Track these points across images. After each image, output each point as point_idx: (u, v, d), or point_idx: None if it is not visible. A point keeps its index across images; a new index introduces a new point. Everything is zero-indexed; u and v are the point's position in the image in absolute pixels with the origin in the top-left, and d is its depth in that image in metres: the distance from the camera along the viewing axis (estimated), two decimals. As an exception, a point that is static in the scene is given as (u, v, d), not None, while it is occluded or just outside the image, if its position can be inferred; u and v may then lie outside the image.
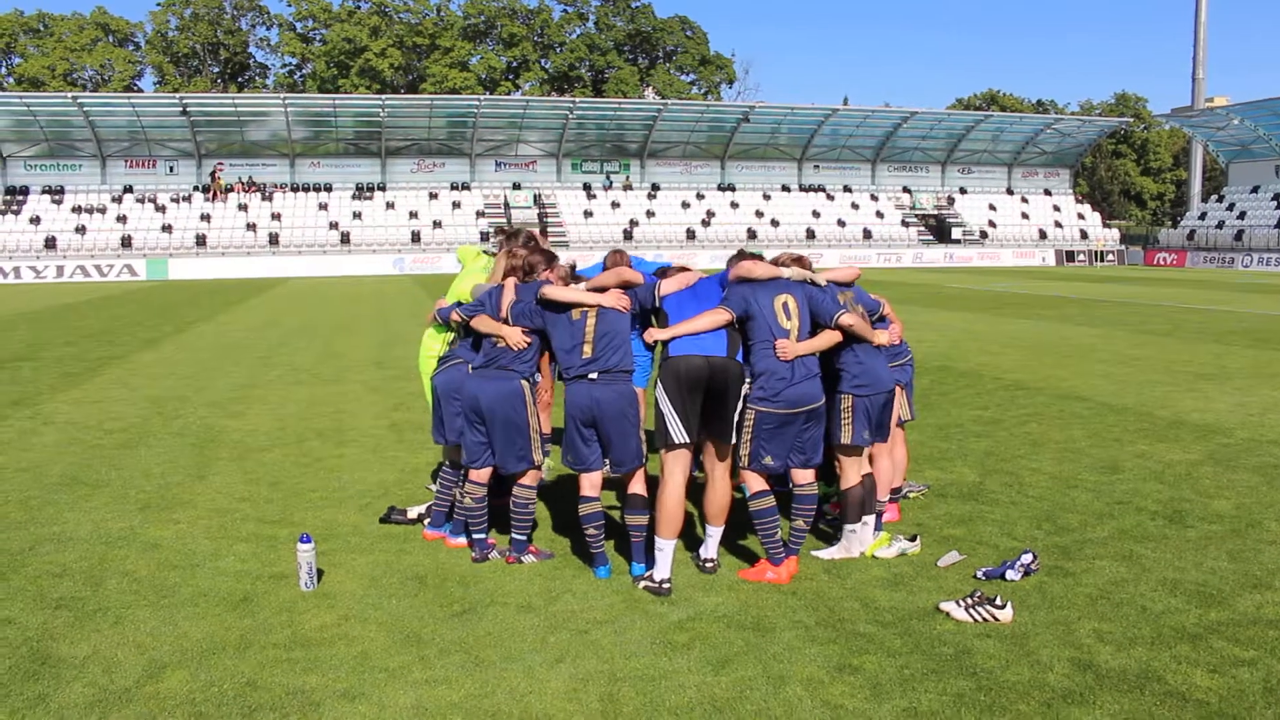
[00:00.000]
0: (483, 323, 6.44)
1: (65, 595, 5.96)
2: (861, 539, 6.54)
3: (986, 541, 6.84)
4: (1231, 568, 6.25)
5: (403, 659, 5.06)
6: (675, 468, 6.14)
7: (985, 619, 5.42)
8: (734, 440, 6.20)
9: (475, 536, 6.58)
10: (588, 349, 6.10)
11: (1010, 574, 6.05)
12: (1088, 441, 9.96)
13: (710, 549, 6.35)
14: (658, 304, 6.35)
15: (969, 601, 5.53)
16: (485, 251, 7.64)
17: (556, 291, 6.29)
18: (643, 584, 6.01)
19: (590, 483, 6.26)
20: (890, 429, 6.83)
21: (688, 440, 6.08)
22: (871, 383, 6.43)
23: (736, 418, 6.14)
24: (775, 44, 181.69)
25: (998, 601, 5.49)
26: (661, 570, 6.00)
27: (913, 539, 6.65)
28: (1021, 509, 7.62)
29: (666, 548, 6.01)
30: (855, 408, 6.40)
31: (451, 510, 7.00)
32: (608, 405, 6.04)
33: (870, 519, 6.59)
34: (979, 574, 6.13)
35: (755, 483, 6.16)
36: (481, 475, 6.53)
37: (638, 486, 6.27)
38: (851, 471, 6.51)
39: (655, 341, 6.31)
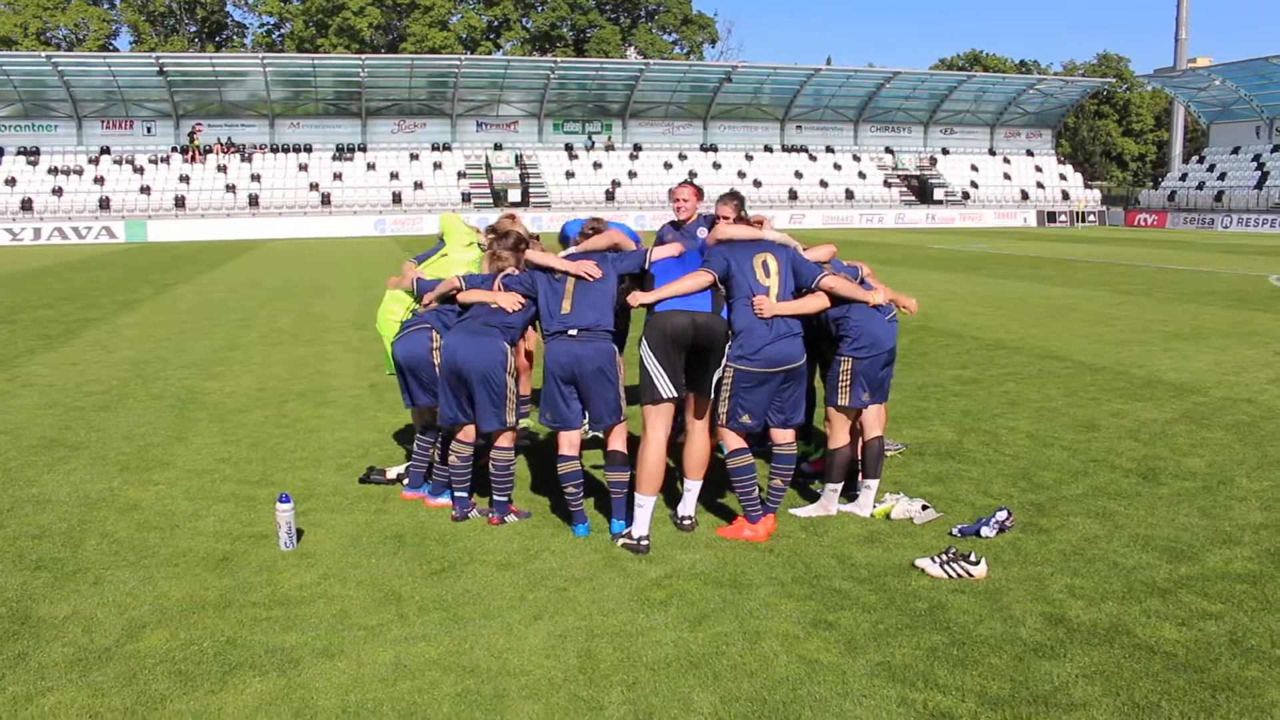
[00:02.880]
0: (473, 294, 6.54)
1: (44, 556, 5.96)
2: (862, 503, 6.61)
3: (963, 499, 6.91)
4: (1202, 524, 6.34)
5: (382, 617, 5.09)
6: (658, 424, 6.18)
7: (959, 575, 5.49)
8: (713, 398, 6.23)
9: (457, 495, 6.61)
10: (566, 304, 6.20)
11: (985, 531, 6.12)
12: (1065, 400, 10.04)
13: (688, 505, 6.38)
14: (646, 268, 6.45)
15: (944, 558, 5.59)
16: (478, 242, 7.53)
17: (537, 257, 6.54)
18: (621, 541, 6.05)
19: (569, 441, 6.30)
20: (889, 389, 6.88)
21: (674, 395, 6.13)
22: (871, 344, 6.47)
23: (717, 375, 6.17)
24: (758, 3, 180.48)
25: (972, 558, 5.55)
26: (640, 527, 6.03)
27: (925, 508, 6.57)
28: (998, 467, 7.69)
29: (647, 504, 6.05)
30: (854, 370, 6.45)
31: (429, 471, 7.02)
32: (587, 361, 6.08)
33: (874, 483, 6.65)
34: (954, 531, 6.19)
35: (733, 441, 6.19)
36: (468, 434, 6.55)
37: (618, 444, 6.31)
38: (841, 431, 6.56)
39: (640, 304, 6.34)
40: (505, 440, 6.46)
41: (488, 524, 6.44)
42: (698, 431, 6.35)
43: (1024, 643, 4.72)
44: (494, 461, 6.45)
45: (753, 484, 6.15)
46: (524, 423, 9.01)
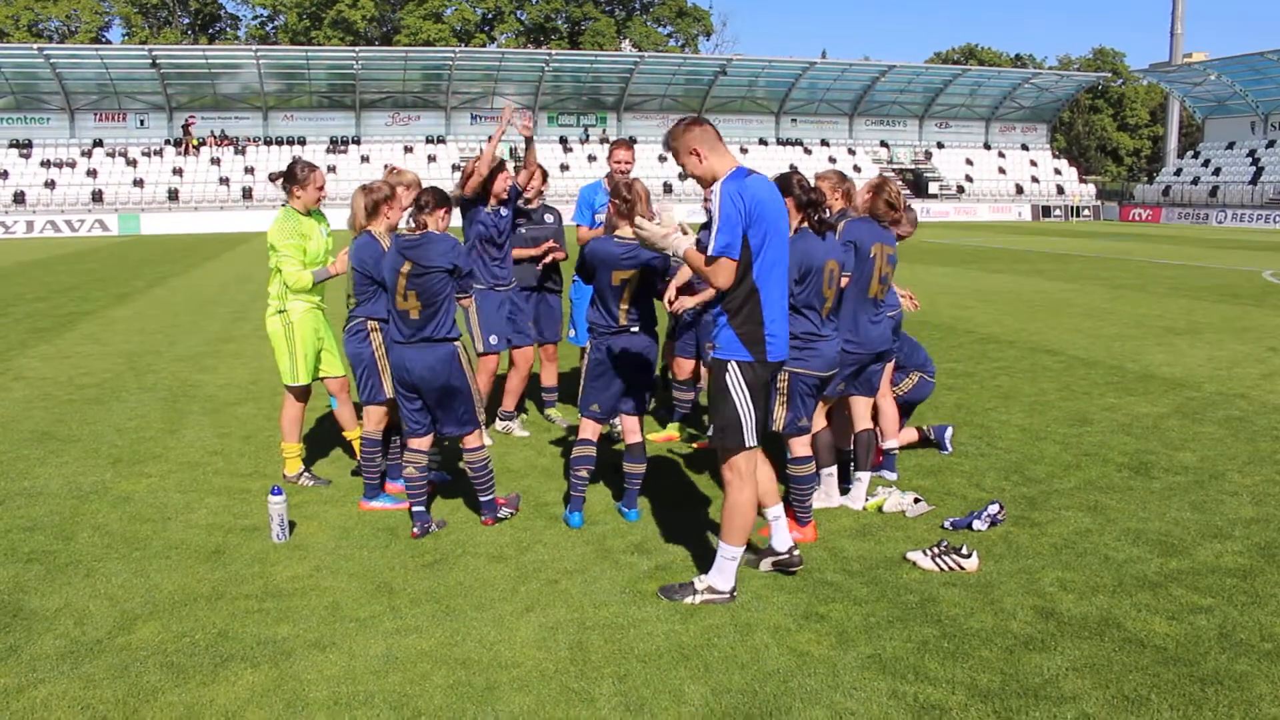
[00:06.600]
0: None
1: (36, 549, 5.95)
2: (854, 496, 6.63)
3: (955, 493, 6.92)
4: (1193, 518, 6.35)
5: (374, 609, 5.10)
6: (754, 464, 5.17)
7: (951, 568, 5.50)
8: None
9: (415, 510, 6.24)
10: (623, 317, 6.27)
11: (977, 524, 6.13)
12: (1058, 394, 10.05)
13: (785, 537, 5.52)
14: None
15: (935, 551, 5.60)
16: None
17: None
18: (702, 599, 5.16)
19: (594, 429, 6.42)
20: (880, 385, 6.88)
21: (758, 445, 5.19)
22: (863, 342, 6.45)
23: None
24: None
25: (964, 551, 5.56)
26: (727, 579, 5.19)
27: (917, 501, 6.56)
28: (990, 460, 7.70)
29: (738, 556, 5.18)
30: (841, 363, 6.40)
31: (382, 480, 6.82)
32: (641, 354, 6.32)
33: (865, 475, 6.66)
34: (946, 524, 6.20)
35: (800, 448, 6.02)
36: (423, 443, 6.31)
37: (638, 437, 6.48)
38: (818, 417, 6.54)
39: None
40: (473, 441, 6.35)
41: (478, 517, 6.41)
42: (760, 457, 5.39)
43: (1014, 635, 4.73)
44: (471, 465, 6.33)
45: (811, 491, 6.07)
46: (552, 412, 9.09)
